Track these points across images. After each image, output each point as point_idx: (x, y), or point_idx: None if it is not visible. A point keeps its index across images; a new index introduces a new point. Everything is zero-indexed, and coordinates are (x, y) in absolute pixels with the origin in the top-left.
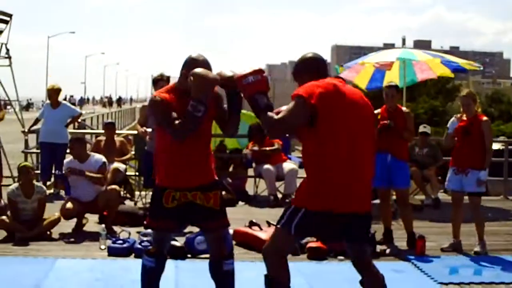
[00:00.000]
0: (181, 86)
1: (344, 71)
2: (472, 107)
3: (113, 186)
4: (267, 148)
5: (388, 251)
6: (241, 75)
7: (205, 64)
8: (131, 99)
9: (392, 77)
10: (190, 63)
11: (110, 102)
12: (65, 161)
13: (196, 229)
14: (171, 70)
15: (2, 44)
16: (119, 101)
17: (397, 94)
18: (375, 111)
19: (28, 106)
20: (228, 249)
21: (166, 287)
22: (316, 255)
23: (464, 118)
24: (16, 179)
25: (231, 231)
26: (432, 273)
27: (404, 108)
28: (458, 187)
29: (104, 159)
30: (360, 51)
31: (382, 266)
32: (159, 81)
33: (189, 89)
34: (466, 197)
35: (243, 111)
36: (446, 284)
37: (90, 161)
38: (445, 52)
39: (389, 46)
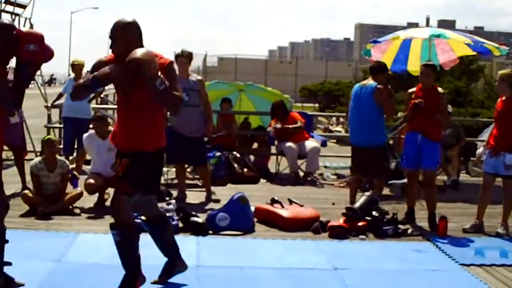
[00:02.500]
0: None
1: (372, 49)
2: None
3: None
4: (290, 126)
5: (410, 231)
6: (23, 37)
7: None
8: None
9: (414, 59)
10: None
11: None
12: (84, 135)
13: (217, 206)
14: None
15: (26, 19)
16: None
17: (432, 73)
18: (410, 90)
19: (50, 81)
20: (246, 224)
21: (188, 263)
22: (337, 234)
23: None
24: (39, 153)
25: (252, 208)
26: (453, 254)
27: (440, 89)
28: (492, 169)
29: None
30: (384, 30)
31: (404, 246)
32: (179, 57)
33: None
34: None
35: (267, 88)
36: (468, 265)
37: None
38: (469, 32)
39: (413, 25)
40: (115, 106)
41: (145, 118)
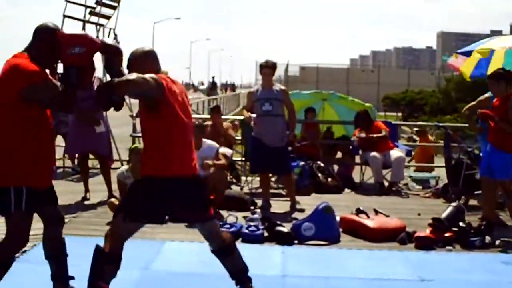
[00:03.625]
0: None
1: (454, 58)
2: None
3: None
4: (374, 135)
5: (497, 242)
6: (66, 41)
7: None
8: (233, 85)
9: (498, 65)
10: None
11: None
12: None
13: (302, 216)
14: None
15: (110, 29)
16: (233, 86)
17: (497, 83)
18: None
19: None
20: (331, 234)
21: (273, 272)
22: (423, 245)
23: None
24: (124, 163)
25: (337, 218)
26: None
27: None
28: None
29: (216, 144)
30: (467, 38)
31: (492, 257)
32: (263, 67)
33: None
34: None
35: (349, 97)
36: None
37: (204, 147)
38: None
39: (496, 33)
40: (198, 116)
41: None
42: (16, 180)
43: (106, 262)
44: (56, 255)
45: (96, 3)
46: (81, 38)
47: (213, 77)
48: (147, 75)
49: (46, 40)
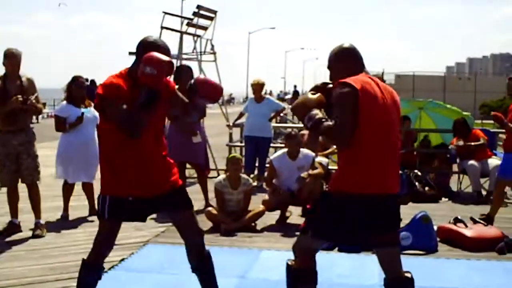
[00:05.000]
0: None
1: None
2: None
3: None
4: (472, 143)
5: None
6: (146, 59)
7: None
8: None
9: None
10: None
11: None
12: (275, 155)
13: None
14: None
15: (207, 40)
16: None
17: None
18: None
19: (229, 101)
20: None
21: (372, 282)
22: None
23: None
24: (220, 172)
25: (435, 227)
26: None
27: None
28: None
29: (312, 153)
30: None
31: None
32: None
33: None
34: None
35: (447, 105)
36: None
37: (300, 157)
38: None
39: None
40: (294, 125)
41: None
42: (102, 189)
43: (300, 281)
44: (198, 266)
45: (194, 14)
46: (153, 59)
47: (295, 86)
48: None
49: (139, 54)
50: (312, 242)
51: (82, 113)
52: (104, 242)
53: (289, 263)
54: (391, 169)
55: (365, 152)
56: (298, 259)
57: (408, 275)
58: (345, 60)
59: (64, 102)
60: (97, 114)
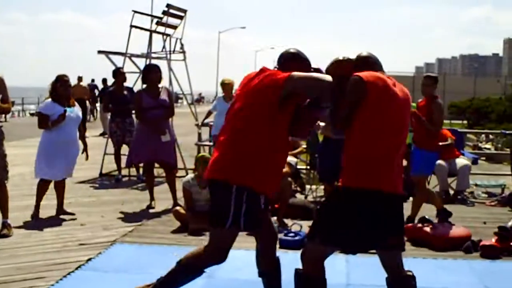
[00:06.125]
0: None
1: None
2: None
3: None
4: (440, 143)
5: None
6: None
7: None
8: None
9: None
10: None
11: None
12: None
13: None
14: None
15: (177, 39)
16: None
17: (430, 83)
18: None
19: (199, 100)
20: None
21: (337, 281)
22: (489, 254)
23: None
24: (189, 171)
25: None
26: None
27: (439, 100)
28: None
29: None
30: None
31: None
32: None
33: None
34: None
35: (413, 104)
36: None
37: None
38: None
39: None
40: None
41: None
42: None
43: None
44: (272, 272)
45: (163, 13)
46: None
47: None
48: None
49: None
50: (320, 249)
51: (65, 110)
52: None
53: (298, 270)
54: (398, 170)
55: (376, 149)
56: (306, 266)
57: (410, 273)
58: (364, 68)
59: (49, 99)
60: (80, 114)
